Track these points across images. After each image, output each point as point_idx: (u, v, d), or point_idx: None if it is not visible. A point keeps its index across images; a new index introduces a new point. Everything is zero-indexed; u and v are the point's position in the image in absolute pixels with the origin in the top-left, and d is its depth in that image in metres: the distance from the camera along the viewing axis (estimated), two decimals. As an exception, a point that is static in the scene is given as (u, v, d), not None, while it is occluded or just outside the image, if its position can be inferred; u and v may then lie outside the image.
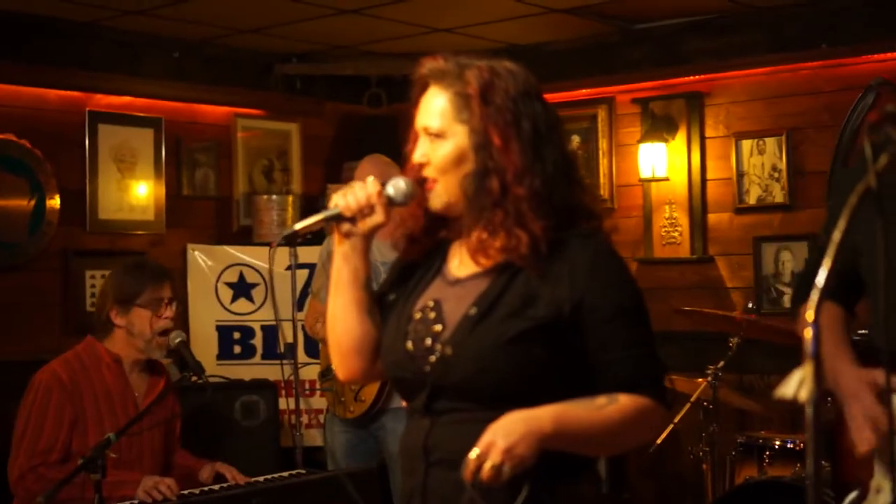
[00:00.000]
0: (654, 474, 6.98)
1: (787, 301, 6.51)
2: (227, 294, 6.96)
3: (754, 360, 6.22)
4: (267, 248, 6.76)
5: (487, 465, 2.27)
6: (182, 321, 6.42)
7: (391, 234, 2.69)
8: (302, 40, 7.04)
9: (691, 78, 6.89)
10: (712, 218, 6.87)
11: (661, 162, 6.84)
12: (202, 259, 6.97)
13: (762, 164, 6.65)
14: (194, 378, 4.31)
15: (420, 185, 2.55)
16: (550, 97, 2.59)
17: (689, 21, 6.70)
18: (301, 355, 6.69)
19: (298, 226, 2.57)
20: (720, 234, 6.84)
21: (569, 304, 2.41)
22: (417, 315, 2.57)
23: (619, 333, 2.43)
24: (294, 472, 4.58)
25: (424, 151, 2.53)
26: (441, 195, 2.52)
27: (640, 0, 6.37)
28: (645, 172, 6.87)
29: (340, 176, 7.39)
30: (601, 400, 2.42)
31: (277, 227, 7.04)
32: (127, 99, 6.82)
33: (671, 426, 5.38)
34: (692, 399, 5.53)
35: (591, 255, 2.46)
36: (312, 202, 7.31)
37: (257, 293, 6.99)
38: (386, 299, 2.69)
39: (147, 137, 6.91)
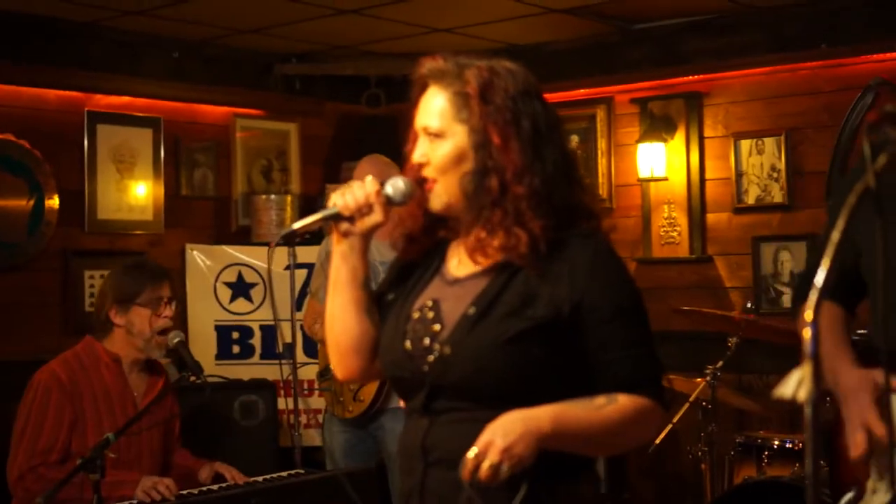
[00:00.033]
0: (654, 474, 6.98)
1: (785, 301, 6.52)
2: (225, 294, 6.96)
3: (753, 360, 6.22)
4: (266, 248, 6.77)
5: (486, 465, 2.27)
6: (181, 321, 6.42)
7: (390, 233, 2.69)
8: (301, 40, 7.04)
9: (690, 78, 6.89)
10: (711, 218, 6.87)
11: (659, 162, 6.84)
12: (201, 259, 6.97)
13: (761, 164, 6.66)
14: (193, 378, 4.31)
15: (420, 185, 2.55)
16: (549, 97, 2.59)
17: (689, 21, 6.70)
18: (300, 355, 6.69)
19: (297, 225, 2.56)
20: (719, 233, 6.84)
21: (568, 304, 2.41)
22: (416, 314, 2.57)
23: (618, 333, 2.44)
24: (293, 471, 4.58)
25: (424, 151, 2.53)
26: (441, 195, 2.52)
27: (640, 0, 6.37)
28: (644, 172, 6.87)
29: (339, 176, 7.38)
30: (600, 400, 2.42)
31: (276, 226, 7.03)
32: (126, 99, 6.81)
33: (670, 426, 5.39)
34: (691, 399, 5.53)
35: (590, 255, 2.46)
36: (311, 202, 7.31)
37: (256, 293, 6.99)
38: (384, 299, 2.69)
39: (146, 137, 6.90)
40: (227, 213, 7.35)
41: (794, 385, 2.89)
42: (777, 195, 6.60)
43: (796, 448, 5.19)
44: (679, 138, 6.92)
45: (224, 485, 4.42)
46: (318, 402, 6.56)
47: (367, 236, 2.61)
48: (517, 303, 2.44)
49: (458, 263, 2.59)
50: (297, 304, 6.07)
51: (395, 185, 2.56)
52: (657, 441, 5.30)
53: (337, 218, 2.59)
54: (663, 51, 6.86)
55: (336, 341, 2.68)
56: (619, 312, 2.44)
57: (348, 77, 7.63)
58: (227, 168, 7.35)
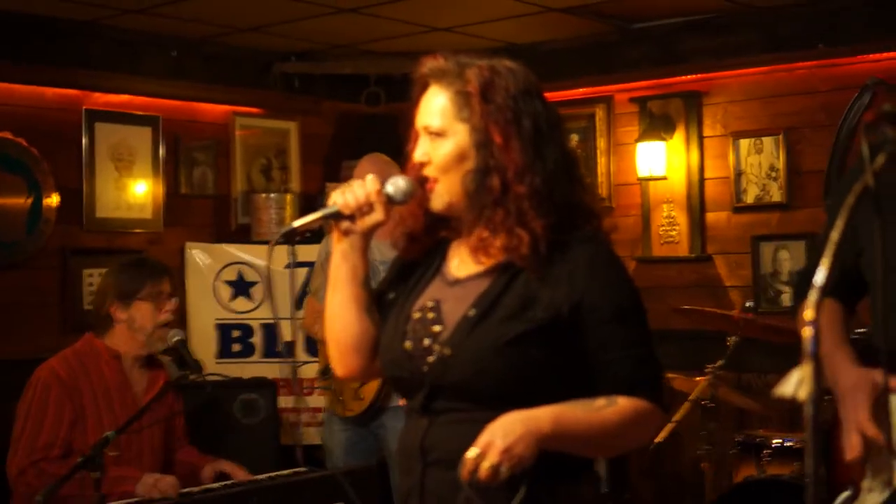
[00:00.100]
0: (654, 473, 6.98)
1: (785, 300, 6.52)
2: (225, 292, 6.96)
3: (753, 359, 6.22)
4: (265, 247, 6.77)
5: (485, 465, 2.28)
6: (181, 319, 6.41)
7: (391, 233, 2.69)
8: (301, 39, 7.04)
9: (689, 77, 6.89)
10: (710, 217, 6.87)
11: (659, 161, 6.84)
12: (200, 257, 6.97)
13: (760, 163, 6.66)
14: (193, 376, 4.31)
15: (421, 184, 2.55)
16: (549, 96, 2.59)
17: (687, 20, 6.70)
18: (300, 354, 6.69)
19: (297, 223, 2.56)
20: (718, 232, 6.84)
21: (568, 305, 2.42)
22: (416, 315, 2.57)
23: (618, 333, 2.44)
24: (294, 470, 4.58)
25: (425, 150, 2.53)
26: (442, 195, 2.53)
27: (639, -1, 6.38)
28: (643, 171, 6.87)
29: (339, 175, 7.38)
30: (600, 401, 2.43)
31: (276, 225, 7.03)
32: (125, 97, 6.81)
33: (671, 425, 5.39)
34: (691, 398, 5.53)
35: (590, 256, 2.46)
36: (311, 201, 7.30)
37: (256, 291, 6.98)
38: (385, 298, 2.69)
39: (145, 136, 6.90)
40: (227, 212, 7.35)
41: (795, 384, 2.89)
42: (776, 194, 6.61)
43: (796, 447, 5.20)
44: (678, 137, 6.92)
45: (225, 483, 4.41)
46: (318, 400, 6.56)
47: (367, 235, 2.61)
48: (517, 305, 2.44)
49: (459, 263, 2.59)
50: (298, 303, 6.08)
51: (396, 184, 2.56)
52: (657, 440, 5.30)
53: (337, 216, 2.59)
54: (662, 50, 6.86)
55: (336, 339, 2.69)
56: (619, 312, 2.45)
57: (348, 76, 7.62)
58: (227, 166, 7.35)
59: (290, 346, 6.55)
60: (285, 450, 5.98)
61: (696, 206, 6.88)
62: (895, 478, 2.81)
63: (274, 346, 6.90)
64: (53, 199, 6.40)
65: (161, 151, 6.94)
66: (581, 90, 7.21)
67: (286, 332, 6.47)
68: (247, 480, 4.43)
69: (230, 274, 6.98)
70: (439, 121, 2.51)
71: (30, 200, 6.32)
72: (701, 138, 6.88)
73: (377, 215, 2.56)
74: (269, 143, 7.58)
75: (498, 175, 2.46)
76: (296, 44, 7.17)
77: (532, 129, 2.48)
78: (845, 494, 2.90)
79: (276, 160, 7.59)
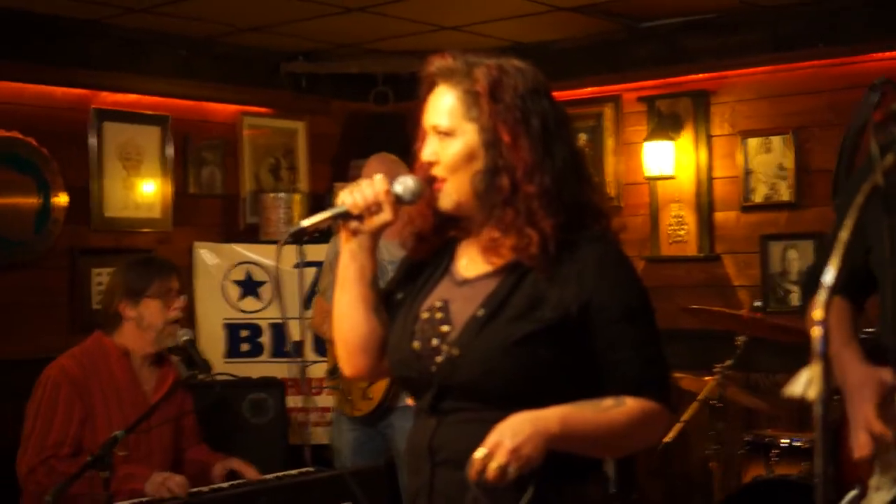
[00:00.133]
0: (662, 473, 6.97)
1: (793, 299, 6.51)
2: (234, 292, 6.97)
3: (761, 359, 6.21)
4: (274, 246, 6.78)
5: (493, 465, 2.28)
6: (189, 319, 6.42)
7: (399, 232, 2.69)
8: (308, 38, 7.04)
9: (697, 76, 6.88)
10: (719, 216, 6.86)
11: (667, 160, 6.84)
12: (209, 257, 6.97)
13: (768, 162, 6.65)
14: (202, 376, 4.31)
15: (429, 184, 2.54)
16: (556, 95, 2.59)
17: (695, 19, 6.69)
18: (309, 353, 6.69)
19: (306, 222, 2.56)
20: (727, 232, 6.83)
21: (576, 304, 2.42)
22: (425, 315, 2.57)
23: (627, 333, 2.44)
24: (302, 469, 4.58)
25: (434, 150, 2.53)
26: (451, 194, 2.52)
27: (646, -2, 6.38)
28: (651, 171, 6.86)
29: (347, 174, 7.38)
30: (608, 402, 2.43)
31: (284, 225, 7.03)
32: (133, 97, 6.82)
33: (679, 425, 5.38)
34: (699, 398, 5.52)
35: (599, 256, 2.46)
36: (319, 200, 7.30)
37: (265, 291, 6.98)
38: (393, 298, 2.69)
39: (153, 135, 6.91)
40: (235, 211, 7.35)
41: (804, 384, 2.88)
42: (785, 193, 6.59)
43: (805, 447, 5.19)
44: (686, 137, 6.91)
45: (234, 483, 4.41)
46: (326, 400, 6.56)
47: (375, 235, 2.61)
48: (525, 305, 2.44)
49: (468, 263, 2.59)
50: (306, 303, 6.08)
51: (405, 184, 2.56)
52: (666, 440, 5.29)
53: (346, 216, 2.58)
54: (670, 49, 6.85)
55: (344, 339, 2.69)
56: (628, 312, 2.45)
57: (355, 75, 7.62)
58: (235, 166, 7.35)
59: (299, 346, 6.56)
60: (294, 449, 5.98)
61: (705, 205, 6.87)
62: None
63: (282, 346, 6.90)
64: (62, 199, 6.40)
65: (169, 151, 6.94)
66: (589, 89, 7.20)
67: (295, 332, 6.47)
68: (255, 480, 4.43)
69: (239, 273, 6.98)
70: (448, 120, 2.51)
71: (38, 200, 6.32)
72: (709, 137, 6.87)
73: (385, 215, 2.56)
74: (278, 143, 7.58)
75: (507, 174, 2.46)
76: (303, 43, 7.17)
77: (541, 129, 2.48)
78: (853, 493, 2.90)
79: (285, 160, 7.59)
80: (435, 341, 2.51)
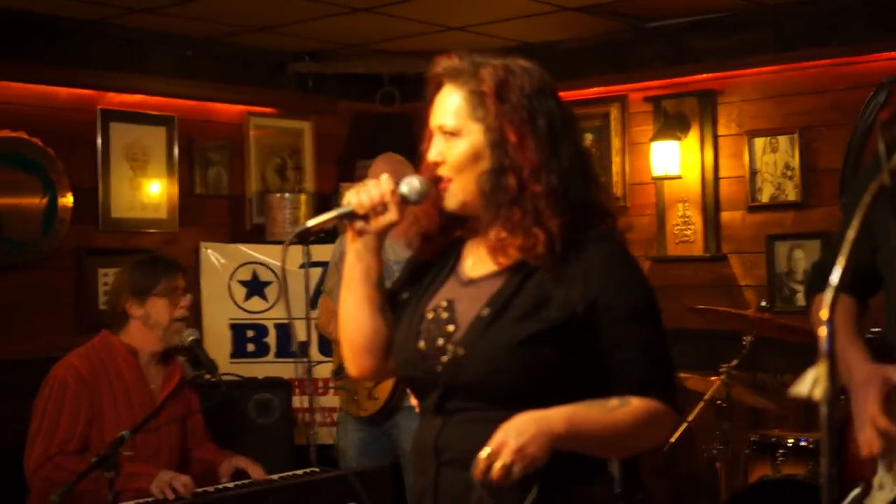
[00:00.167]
0: (668, 473, 6.97)
1: (800, 299, 6.49)
2: (240, 292, 6.97)
3: (767, 359, 6.21)
4: (280, 247, 6.78)
5: (498, 465, 2.27)
6: (195, 319, 6.42)
7: (405, 232, 2.69)
8: (314, 38, 7.05)
9: (703, 76, 6.88)
10: (725, 216, 6.86)
11: (673, 160, 6.83)
12: (215, 257, 6.98)
13: (775, 162, 6.64)
14: (208, 376, 4.32)
15: (435, 184, 2.54)
16: (563, 95, 2.59)
17: (701, 19, 6.69)
18: (314, 353, 6.70)
19: (311, 222, 2.56)
20: (733, 232, 6.83)
21: (583, 304, 2.41)
22: (430, 315, 2.57)
23: (633, 332, 2.43)
24: (308, 469, 4.59)
25: (440, 150, 2.53)
26: (456, 194, 2.52)
27: (652, -3, 6.38)
28: (658, 171, 6.86)
29: (353, 174, 7.39)
30: (613, 402, 2.42)
31: (290, 225, 7.03)
32: (139, 97, 6.82)
33: (685, 424, 5.38)
34: (706, 398, 5.52)
35: (605, 256, 2.46)
36: (325, 200, 7.31)
37: (271, 291, 6.99)
38: (399, 297, 2.69)
39: (160, 136, 6.91)
40: (242, 212, 7.35)
41: (810, 383, 2.89)
42: (791, 193, 6.59)
43: (811, 446, 5.19)
44: (693, 136, 6.91)
45: (240, 483, 4.42)
46: (332, 400, 6.57)
47: (381, 235, 2.61)
48: (531, 305, 2.44)
49: (474, 263, 2.59)
50: (312, 303, 6.08)
51: (411, 184, 2.56)
52: (672, 440, 5.29)
53: (351, 216, 2.59)
54: (676, 49, 6.85)
55: (349, 339, 2.69)
56: (634, 312, 2.44)
57: (361, 75, 7.62)
58: (241, 166, 7.36)
59: (305, 346, 6.56)
60: (300, 449, 5.98)
61: (711, 205, 6.86)
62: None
63: (288, 346, 6.90)
64: (68, 199, 6.41)
65: (175, 151, 6.95)
66: (595, 89, 7.20)
67: (300, 332, 6.47)
68: (261, 480, 4.43)
69: (245, 274, 6.99)
70: (454, 120, 2.51)
71: (45, 200, 6.33)
72: (715, 137, 6.87)
73: (391, 215, 2.56)
74: (284, 143, 7.59)
75: (514, 174, 2.46)
76: (309, 43, 7.18)
77: (547, 128, 2.47)
78: (856, 491, 2.90)
79: (291, 160, 7.60)
80: (440, 341, 2.51)
